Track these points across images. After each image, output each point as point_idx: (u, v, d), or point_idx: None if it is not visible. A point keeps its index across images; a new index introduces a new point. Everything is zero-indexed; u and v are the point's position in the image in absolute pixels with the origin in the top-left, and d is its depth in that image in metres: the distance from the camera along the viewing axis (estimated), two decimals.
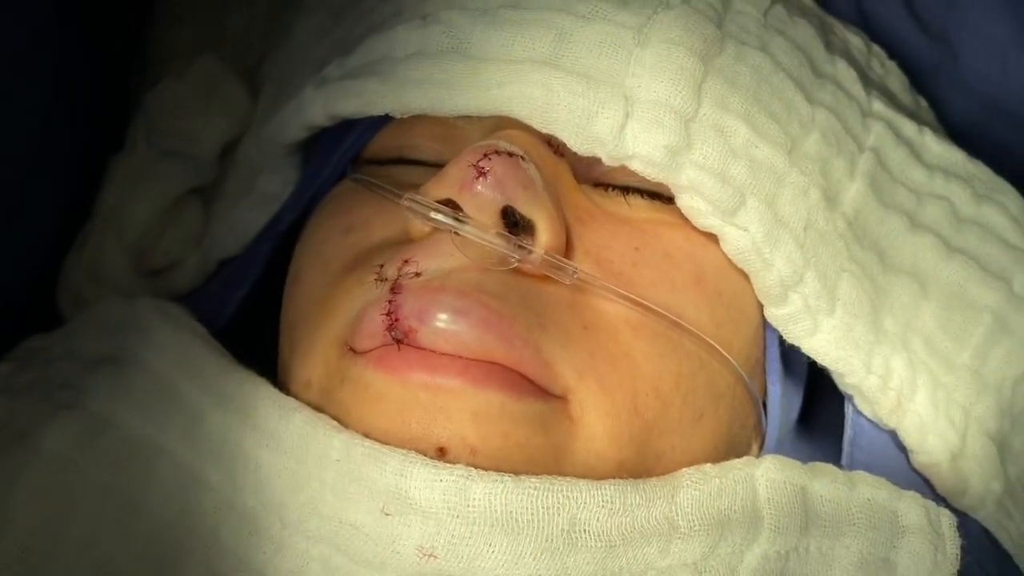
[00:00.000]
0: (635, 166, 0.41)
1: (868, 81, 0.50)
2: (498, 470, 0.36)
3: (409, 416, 0.37)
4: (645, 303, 0.40)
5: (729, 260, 0.43)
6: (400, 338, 0.38)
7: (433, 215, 0.39)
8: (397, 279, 0.39)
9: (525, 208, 0.39)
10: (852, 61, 0.50)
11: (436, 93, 0.42)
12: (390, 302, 0.38)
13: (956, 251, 0.47)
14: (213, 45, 0.60)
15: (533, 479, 0.36)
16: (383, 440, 0.37)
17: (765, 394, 0.47)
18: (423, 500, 0.35)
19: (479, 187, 0.38)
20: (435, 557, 0.35)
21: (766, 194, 0.42)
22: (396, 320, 0.38)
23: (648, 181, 0.42)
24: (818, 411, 0.54)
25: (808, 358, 0.45)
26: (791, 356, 0.47)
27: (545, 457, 0.38)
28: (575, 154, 0.42)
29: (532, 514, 0.36)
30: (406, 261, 0.39)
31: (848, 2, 0.58)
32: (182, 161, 0.53)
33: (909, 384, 0.44)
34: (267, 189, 0.52)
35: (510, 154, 0.39)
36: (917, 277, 0.46)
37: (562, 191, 0.42)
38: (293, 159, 0.52)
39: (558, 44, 0.42)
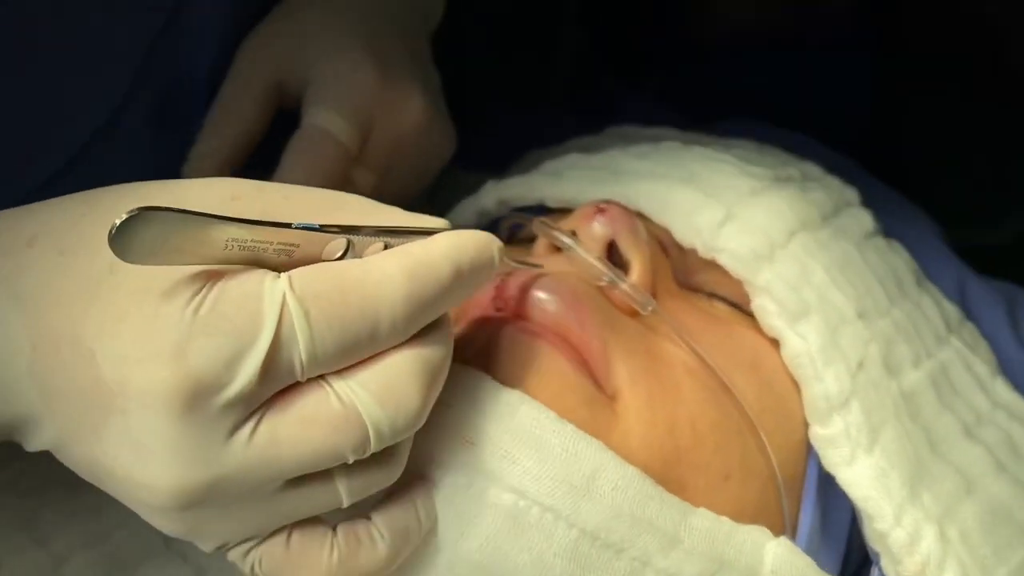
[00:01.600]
0: (723, 259, 0.47)
1: (950, 327, 0.53)
2: None
3: None
4: (702, 354, 0.44)
5: (786, 368, 0.46)
6: (500, 306, 0.43)
7: (554, 233, 0.46)
8: (511, 272, 0.43)
9: (625, 246, 0.45)
10: (941, 308, 0.54)
11: (583, 187, 0.51)
12: (501, 282, 0.43)
13: (1009, 473, 0.48)
14: None
15: (574, 426, 0.39)
16: None
17: (796, 520, 0.47)
18: None
19: (595, 221, 0.45)
20: (474, 442, 0.38)
21: (829, 320, 0.46)
22: (500, 292, 0.43)
23: (732, 292, 0.48)
24: None
25: (848, 534, 0.47)
26: (831, 519, 0.48)
27: (584, 427, 0.40)
28: (677, 258, 0.49)
29: (563, 448, 0.38)
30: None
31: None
32: None
33: (938, 560, 0.44)
34: None
35: (626, 208, 0.47)
36: (965, 476, 0.46)
37: (660, 270, 0.47)
38: None
39: (690, 174, 0.50)
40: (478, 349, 0.42)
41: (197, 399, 0.29)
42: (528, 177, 0.55)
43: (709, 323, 0.46)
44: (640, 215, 0.48)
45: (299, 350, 0.30)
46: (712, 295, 0.48)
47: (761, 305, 0.46)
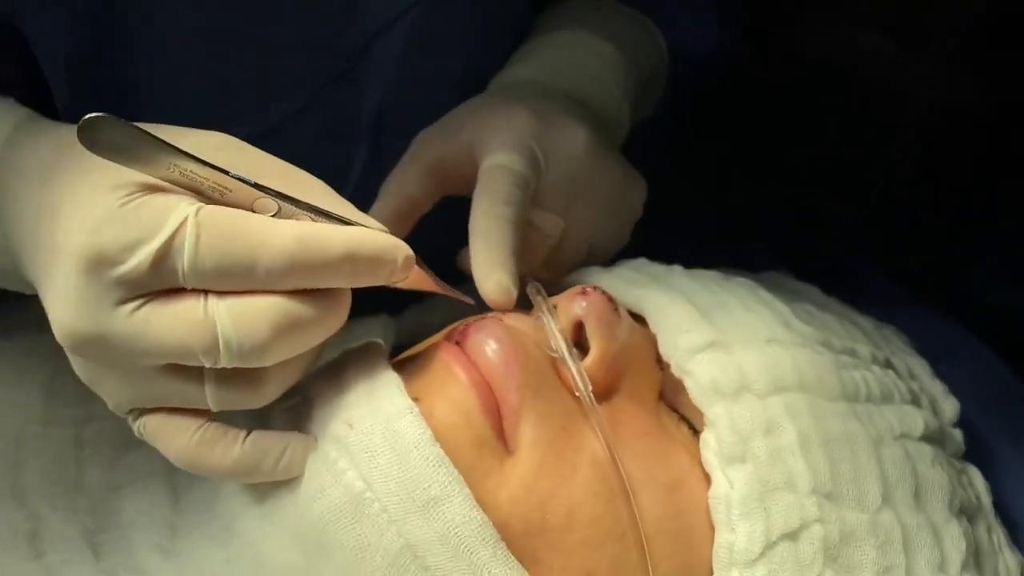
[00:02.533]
0: (687, 382, 0.47)
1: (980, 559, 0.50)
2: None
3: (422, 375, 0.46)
4: (616, 459, 0.44)
5: (708, 509, 0.45)
6: (458, 340, 0.46)
7: (536, 297, 0.49)
8: (483, 317, 0.48)
9: (590, 331, 0.47)
10: (970, 545, 0.49)
11: (614, 282, 0.52)
12: (470, 323, 0.47)
13: None
14: None
15: (442, 453, 0.42)
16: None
17: None
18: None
19: (574, 300, 0.47)
20: (352, 427, 0.43)
21: (767, 478, 0.44)
22: (463, 330, 0.46)
23: (699, 420, 0.47)
24: None
25: None
26: None
27: (464, 463, 0.42)
28: (670, 375, 0.48)
29: (420, 464, 0.42)
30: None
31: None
32: None
33: None
34: None
35: (610, 300, 0.48)
36: None
37: (641, 375, 0.48)
38: None
39: (716, 302, 0.50)
40: (411, 358, 0.47)
41: (98, 265, 0.37)
42: (594, 268, 0.57)
43: (651, 435, 0.46)
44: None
45: (183, 260, 0.37)
46: (683, 418, 0.48)
47: (704, 438, 0.46)
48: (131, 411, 0.42)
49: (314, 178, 0.43)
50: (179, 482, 0.50)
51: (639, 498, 0.44)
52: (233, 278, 0.38)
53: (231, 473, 0.42)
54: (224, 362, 0.39)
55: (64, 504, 0.49)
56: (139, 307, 0.38)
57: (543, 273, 0.56)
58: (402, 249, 0.42)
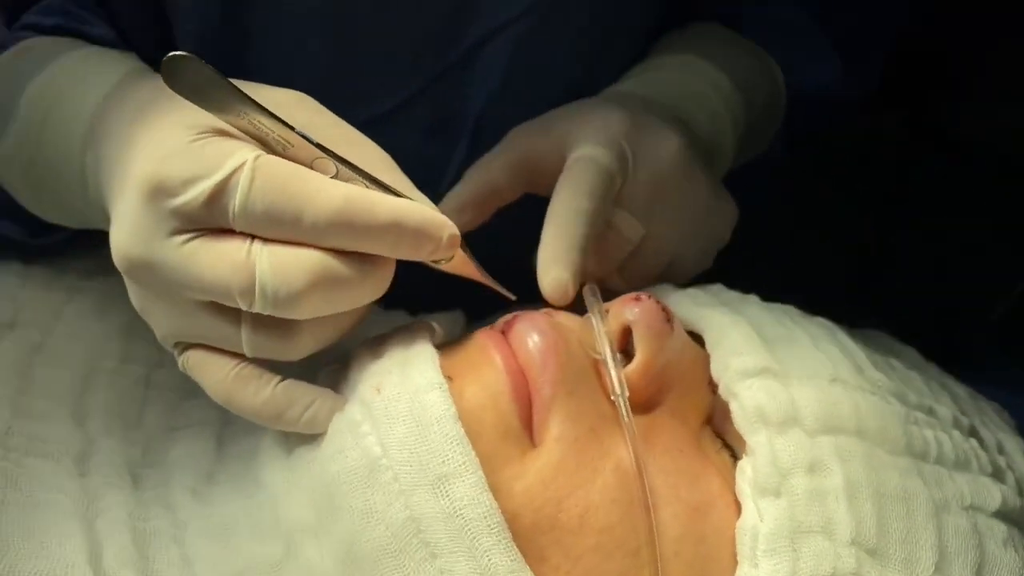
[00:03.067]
0: (732, 406, 0.45)
1: None
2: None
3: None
4: (641, 469, 0.43)
5: (733, 539, 0.43)
6: (503, 329, 0.46)
7: (589, 298, 0.48)
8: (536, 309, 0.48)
9: (637, 337, 0.46)
10: None
11: (681, 300, 0.52)
12: (518, 314, 0.47)
13: None
14: None
15: (463, 432, 0.42)
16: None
17: None
18: None
19: (626, 305, 0.46)
20: (379, 392, 0.43)
21: (802, 520, 0.42)
22: (510, 320, 0.46)
23: (741, 448, 0.45)
24: None
25: None
26: None
27: (485, 448, 0.42)
28: (721, 403, 0.46)
29: (439, 440, 0.41)
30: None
31: None
32: None
33: None
34: None
35: (663, 309, 0.46)
36: None
37: (689, 394, 0.47)
38: None
39: (784, 334, 0.49)
40: (457, 341, 0.47)
41: (158, 193, 0.39)
42: (665, 285, 0.56)
43: (684, 454, 0.45)
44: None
45: (235, 200, 0.39)
46: (726, 446, 0.46)
47: (741, 466, 0.44)
48: (176, 344, 0.44)
49: (380, 150, 0.44)
50: (227, 435, 0.52)
51: (659, 513, 0.42)
52: (280, 226, 0.40)
53: (259, 414, 0.43)
54: (259, 306, 0.40)
55: (119, 434, 0.51)
56: (189, 240, 0.40)
57: (616, 280, 0.55)
58: (447, 227, 0.42)
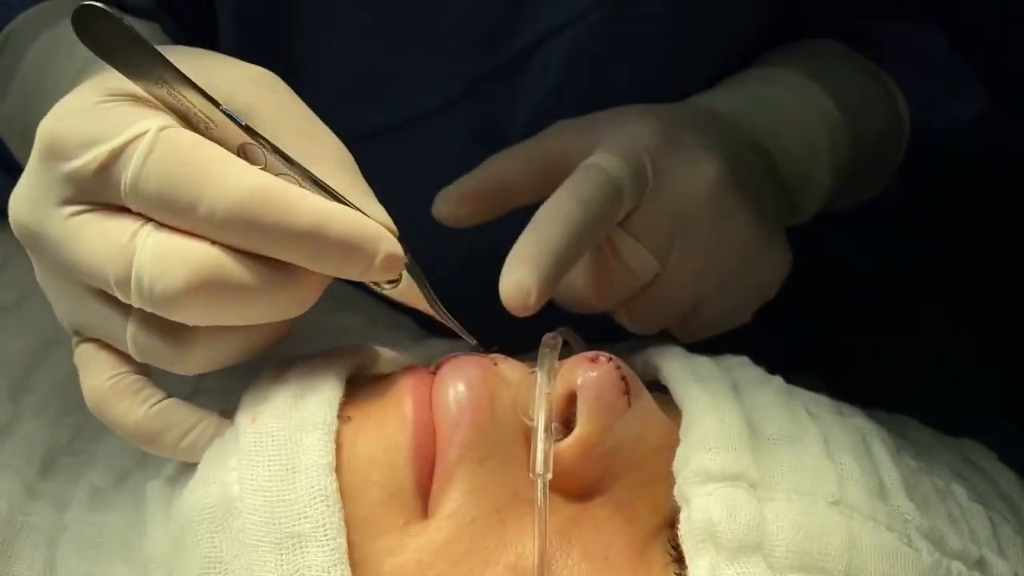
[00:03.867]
0: (682, 515, 0.36)
1: None
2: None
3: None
4: (544, 565, 0.35)
5: None
6: (434, 369, 0.40)
7: (543, 348, 0.40)
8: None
9: (580, 407, 0.37)
10: None
11: (674, 360, 0.43)
12: (452, 357, 0.40)
13: None
14: None
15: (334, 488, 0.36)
16: None
17: None
18: None
19: (579, 366, 0.38)
20: (254, 422, 0.37)
21: None
22: (441, 362, 0.40)
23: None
24: None
25: None
26: None
27: (363, 511, 0.36)
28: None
29: (306, 493, 0.35)
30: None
31: None
32: None
33: None
34: None
35: (623, 377, 0.38)
36: None
37: (645, 487, 0.38)
38: None
39: (787, 430, 0.39)
40: (385, 376, 0.41)
41: (53, 154, 0.35)
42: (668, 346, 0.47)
43: (609, 563, 0.36)
44: None
45: (127, 173, 0.34)
46: (677, 560, 0.36)
47: None
48: (75, 333, 0.39)
49: (340, 147, 0.38)
50: None
51: None
52: (172, 211, 0.35)
53: (129, 434, 0.38)
54: (135, 300, 0.35)
55: (52, 416, 0.47)
56: (78, 213, 0.35)
57: (623, 319, 0.48)
58: (384, 242, 0.36)
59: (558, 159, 0.47)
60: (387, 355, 0.42)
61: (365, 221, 0.36)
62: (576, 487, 0.37)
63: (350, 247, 0.35)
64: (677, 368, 0.42)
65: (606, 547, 0.36)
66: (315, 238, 0.35)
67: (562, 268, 0.42)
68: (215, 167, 0.34)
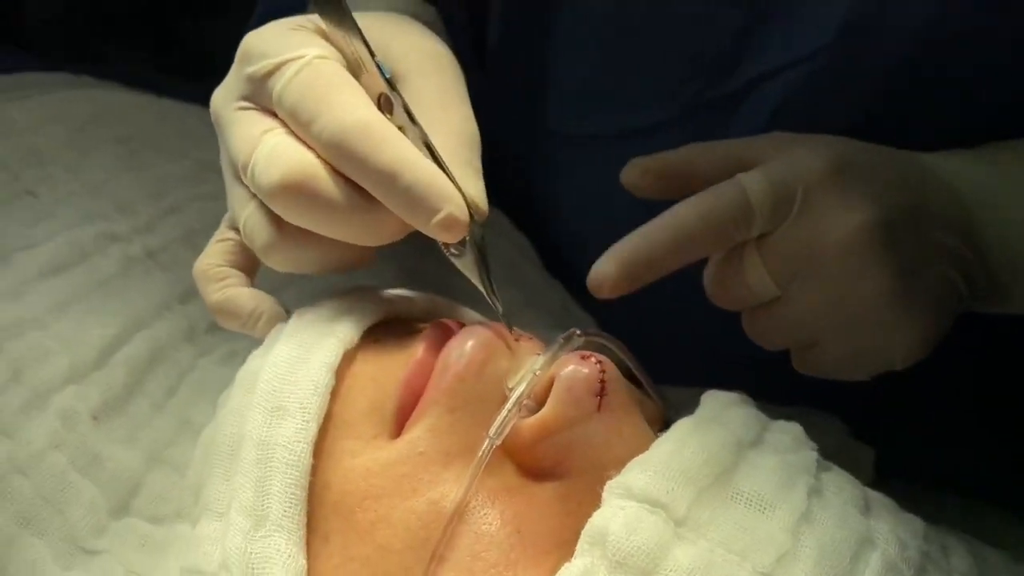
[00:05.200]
0: (591, 519, 0.38)
1: None
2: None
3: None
4: (452, 520, 0.39)
5: None
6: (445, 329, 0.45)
7: (559, 339, 0.43)
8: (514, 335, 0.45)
9: (552, 395, 0.41)
10: None
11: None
12: (477, 324, 0.45)
13: None
14: None
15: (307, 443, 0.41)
16: None
17: None
18: None
19: (571, 358, 0.42)
20: (295, 314, 0.46)
21: None
22: (466, 323, 0.45)
23: None
24: None
25: None
26: None
27: (346, 414, 0.42)
28: None
29: (298, 416, 0.41)
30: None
31: None
32: None
33: None
34: None
35: (606, 384, 0.41)
36: None
37: (595, 487, 0.39)
38: None
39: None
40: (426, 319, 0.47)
41: (243, 58, 0.44)
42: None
43: (521, 537, 0.38)
44: None
45: (279, 84, 0.42)
46: None
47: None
48: (232, 227, 0.48)
49: (471, 126, 0.44)
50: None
51: (441, 569, 0.38)
52: (298, 122, 0.42)
53: (211, 311, 0.47)
54: (250, 184, 0.43)
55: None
56: (243, 108, 0.45)
57: (744, 324, 0.49)
58: (451, 205, 0.40)
59: (746, 164, 0.47)
60: (471, 315, 0.48)
61: (440, 181, 0.41)
62: (531, 465, 0.41)
63: (416, 197, 0.40)
64: (712, 403, 0.43)
65: (525, 523, 0.39)
66: (390, 178, 0.40)
67: (654, 271, 0.45)
68: (340, 96, 0.42)
